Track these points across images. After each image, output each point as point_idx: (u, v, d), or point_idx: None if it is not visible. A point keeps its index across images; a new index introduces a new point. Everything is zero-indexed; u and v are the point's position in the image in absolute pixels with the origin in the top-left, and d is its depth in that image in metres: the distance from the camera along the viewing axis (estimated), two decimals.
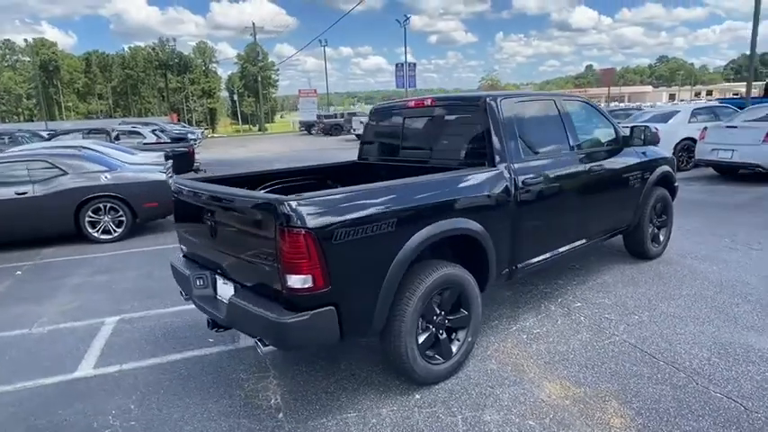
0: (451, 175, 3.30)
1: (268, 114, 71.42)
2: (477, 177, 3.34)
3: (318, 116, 43.61)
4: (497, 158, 3.51)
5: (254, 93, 71.89)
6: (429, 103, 4.02)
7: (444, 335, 3.21)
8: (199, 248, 3.43)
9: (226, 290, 3.13)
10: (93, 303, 4.96)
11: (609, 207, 4.50)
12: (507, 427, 2.74)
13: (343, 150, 23.64)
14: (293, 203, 2.48)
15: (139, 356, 3.79)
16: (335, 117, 39.23)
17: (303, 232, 2.46)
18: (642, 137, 4.43)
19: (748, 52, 17.70)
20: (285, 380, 3.37)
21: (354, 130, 28.28)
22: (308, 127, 42.96)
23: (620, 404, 2.90)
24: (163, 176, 7.88)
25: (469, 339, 3.34)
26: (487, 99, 3.61)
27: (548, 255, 3.92)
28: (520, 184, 3.54)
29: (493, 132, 3.53)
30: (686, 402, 2.88)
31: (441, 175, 3.25)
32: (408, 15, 43.93)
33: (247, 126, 71.02)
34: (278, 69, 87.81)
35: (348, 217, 2.62)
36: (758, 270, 4.88)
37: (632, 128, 4.53)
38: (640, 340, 3.63)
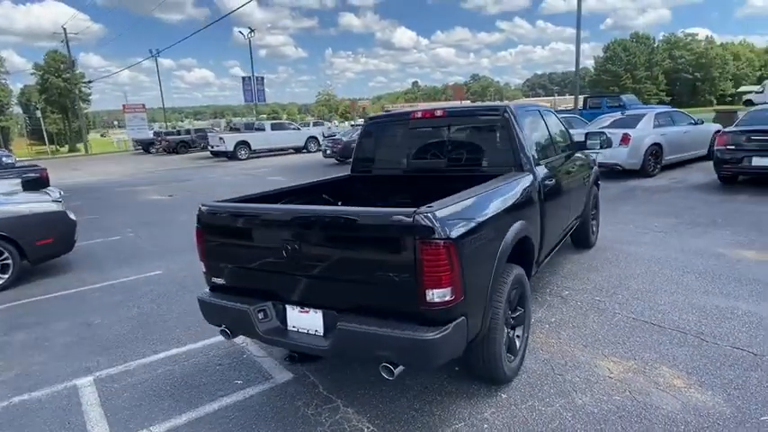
0: (512, 179, 3.48)
1: (78, 132, 61.90)
2: (523, 181, 3.57)
3: (157, 133, 40.01)
4: (525, 162, 3.80)
5: (59, 108, 62.30)
6: (441, 114, 4.15)
7: (512, 333, 3.36)
8: (253, 278, 3.07)
9: (305, 319, 2.88)
10: (40, 367, 4.00)
11: (577, 202, 5.12)
12: (603, 405, 3.00)
13: (211, 168, 22.15)
14: (435, 214, 2.42)
15: (165, 415, 3.21)
16: (180, 134, 36.44)
17: (444, 243, 2.41)
18: (599, 141, 5.15)
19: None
20: (359, 406, 3.18)
21: (213, 147, 26.61)
22: (145, 145, 39.03)
23: (669, 368, 3.37)
24: (55, 206, 6.60)
25: (526, 335, 3.54)
26: (508, 107, 3.88)
27: (553, 247, 4.33)
28: (542, 185, 3.87)
29: (518, 138, 3.81)
30: (712, 357, 3.46)
31: (502, 179, 3.41)
32: (252, 28, 42.58)
33: (53, 147, 60.67)
34: (90, 82, 77.26)
35: (474, 223, 2.64)
36: (674, 247, 5.98)
37: (587, 133, 5.23)
38: (638, 314, 4.21)
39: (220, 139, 25.98)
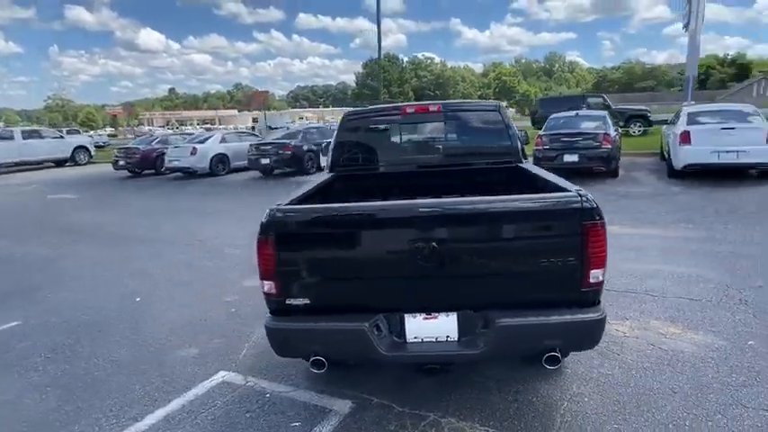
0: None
1: None
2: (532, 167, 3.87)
3: None
4: (521, 155, 4.09)
5: None
6: (436, 110, 4.12)
7: None
8: (357, 290, 2.61)
9: (432, 326, 2.60)
10: None
11: None
12: (647, 359, 3.46)
13: None
14: (590, 196, 2.47)
15: None
16: None
17: (602, 224, 2.49)
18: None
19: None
20: (457, 413, 2.95)
21: None
22: None
23: (657, 321, 4.05)
24: None
25: None
26: (500, 105, 4.12)
27: None
28: None
29: (514, 133, 4.07)
30: (674, 308, 4.29)
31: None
32: None
33: None
34: None
35: None
36: None
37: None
38: (636, 287, 4.76)
39: None
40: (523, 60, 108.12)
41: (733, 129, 9.44)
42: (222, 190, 13.93)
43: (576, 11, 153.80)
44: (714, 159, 9.35)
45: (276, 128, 29.09)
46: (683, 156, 9.68)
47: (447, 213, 2.53)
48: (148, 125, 79.47)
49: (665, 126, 12.68)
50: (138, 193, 14.25)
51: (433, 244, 2.45)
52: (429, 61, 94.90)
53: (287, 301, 2.63)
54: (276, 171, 15.63)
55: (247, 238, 3.42)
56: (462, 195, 2.83)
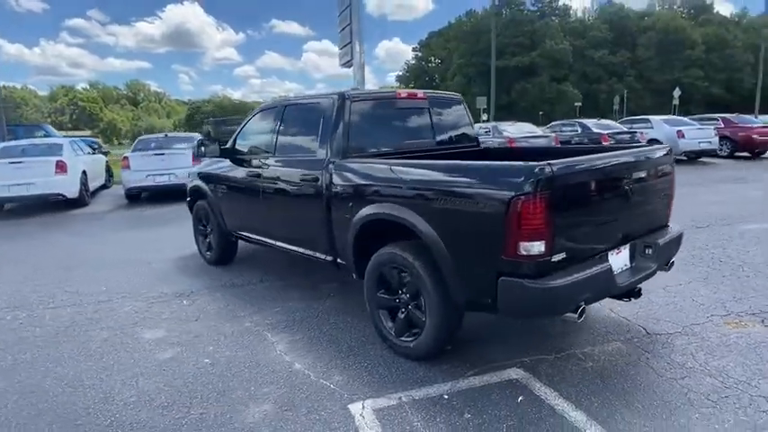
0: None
1: None
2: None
3: None
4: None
5: None
6: (422, 96, 4.25)
7: None
8: (593, 236, 2.87)
9: (620, 259, 3.14)
10: None
11: None
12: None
13: None
14: None
15: None
16: None
17: None
18: None
19: None
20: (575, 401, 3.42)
21: None
22: None
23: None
24: None
25: None
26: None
27: None
28: None
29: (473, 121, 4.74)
30: None
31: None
32: None
33: None
34: None
35: None
36: None
37: None
38: None
39: None
40: (100, 86, 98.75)
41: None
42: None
43: (147, 40, 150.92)
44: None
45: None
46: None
47: (645, 159, 3.12)
48: None
49: None
50: None
51: (633, 187, 3.01)
52: None
53: (552, 259, 2.59)
54: None
55: None
56: None
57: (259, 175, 4.55)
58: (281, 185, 4.31)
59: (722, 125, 15.66)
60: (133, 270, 5.74)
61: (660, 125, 14.87)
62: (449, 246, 2.82)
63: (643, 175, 3.13)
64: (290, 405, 2.84)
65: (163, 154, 10.89)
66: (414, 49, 77.47)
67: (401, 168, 3.20)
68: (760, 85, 30.72)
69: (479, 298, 2.78)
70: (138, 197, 11.39)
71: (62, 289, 5.16)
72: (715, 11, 65.82)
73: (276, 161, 4.41)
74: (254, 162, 4.69)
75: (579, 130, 15.93)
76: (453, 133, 4.55)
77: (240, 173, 4.90)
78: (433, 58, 75.48)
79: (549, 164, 2.52)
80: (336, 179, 3.67)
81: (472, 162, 3.06)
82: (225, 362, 3.41)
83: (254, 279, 5.16)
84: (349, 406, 2.79)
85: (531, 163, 2.53)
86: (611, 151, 3.23)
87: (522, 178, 2.50)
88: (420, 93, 4.32)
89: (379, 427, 2.59)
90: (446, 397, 2.84)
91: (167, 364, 3.42)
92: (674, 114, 22.96)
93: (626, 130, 15.17)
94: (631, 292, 3.28)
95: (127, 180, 10.91)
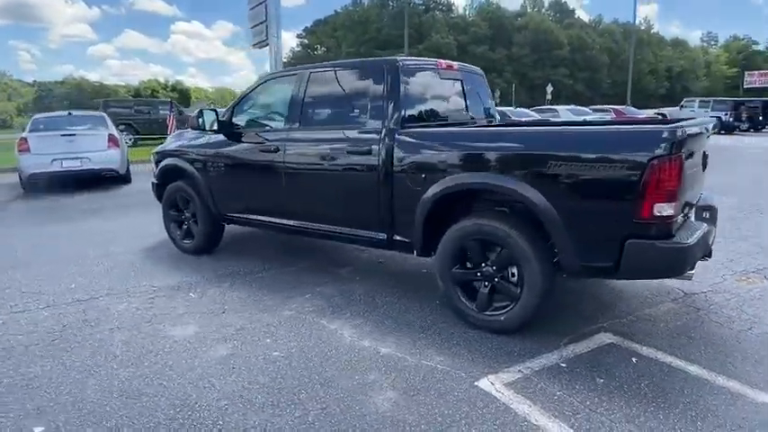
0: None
1: None
2: None
3: None
4: None
5: None
6: (456, 68, 4.13)
7: None
8: (689, 197, 3.05)
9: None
10: None
11: None
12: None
13: None
14: None
15: None
16: None
17: None
18: None
19: None
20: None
21: None
22: None
23: None
24: None
25: None
26: None
27: None
28: None
29: None
30: None
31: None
32: None
33: None
34: None
35: None
36: None
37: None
38: None
39: None
40: None
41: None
42: None
43: None
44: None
45: None
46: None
47: (706, 129, 3.31)
48: None
49: None
50: None
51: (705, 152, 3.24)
52: None
53: (677, 219, 2.69)
54: None
55: None
56: None
57: (277, 149, 4.10)
58: (314, 160, 3.94)
59: (614, 115, 17.61)
60: (95, 265, 4.89)
61: (566, 113, 16.35)
62: (563, 212, 2.78)
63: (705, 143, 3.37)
64: (413, 389, 2.62)
65: (73, 135, 9.39)
66: (298, 36, 75.52)
67: (502, 133, 3.10)
68: (630, 82, 34.83)
69: (598, 262, 2.79)
70: (35, 186, 9.68)
71: (18, 290, 4.23)
72: (576, 16, 73.31)
73: (304, 134, 4.02)
74: (269, 136, 4.23)
75: (498, 117, 16.91)
76: (482, 106, 4.51)
77: (244, 148, 4.39)
78: (319, 46, 74.26)
79: (680, 126, 2.59)
80: (399, 151, 3.44)
81: (597, 127, 3.05)
82: (297, 353, 3.05)
83: (254, 267, 4.67)
84: (477, 383, 2.65)
85: (663, 125, 2.58)
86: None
87: (659, 141, 2.54)
88: (455, 64, 4.21)
89: (525, 399, 2.50)
90: (564, 365, 2.82)
91: (230, 360, 2.97)
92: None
93: (540, 118, 16.39)
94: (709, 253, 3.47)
95: (26, 166, 9.19)
